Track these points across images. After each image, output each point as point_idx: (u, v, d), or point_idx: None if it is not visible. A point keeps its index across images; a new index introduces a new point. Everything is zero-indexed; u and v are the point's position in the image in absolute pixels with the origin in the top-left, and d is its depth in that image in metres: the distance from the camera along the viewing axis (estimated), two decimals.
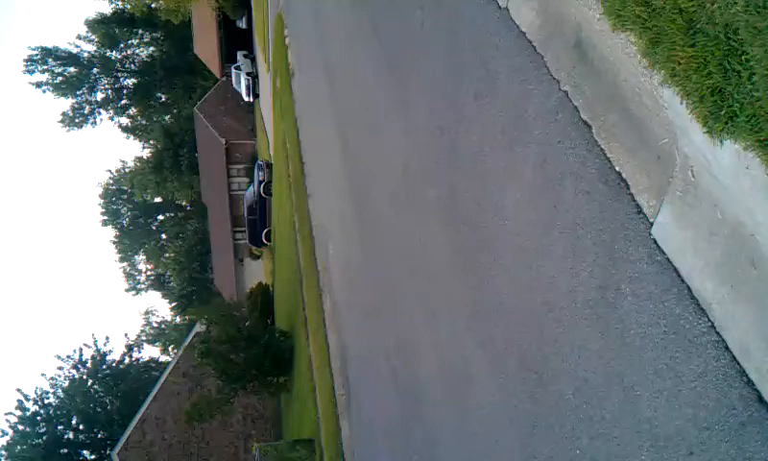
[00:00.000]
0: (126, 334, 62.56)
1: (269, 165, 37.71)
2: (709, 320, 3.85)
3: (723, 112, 3.32)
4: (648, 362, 4.33)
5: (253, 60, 43.24)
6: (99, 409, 40.04)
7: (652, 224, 4.29)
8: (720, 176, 3.60)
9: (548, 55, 5.45)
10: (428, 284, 9.09)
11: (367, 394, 13.70)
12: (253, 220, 40.67)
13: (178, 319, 73.52)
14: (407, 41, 9.24)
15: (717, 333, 3.79)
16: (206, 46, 46.31)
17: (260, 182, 38.77)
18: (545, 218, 5.61)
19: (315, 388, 20.11)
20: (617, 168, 4.63)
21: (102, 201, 69.41)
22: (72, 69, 60.58)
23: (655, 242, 4.27)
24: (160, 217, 71.99)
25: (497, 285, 6.73)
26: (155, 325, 76.28)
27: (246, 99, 43.73)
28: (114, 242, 70.97)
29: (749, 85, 3.12)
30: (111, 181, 69.39)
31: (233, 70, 44.43)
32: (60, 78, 60.22)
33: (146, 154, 67.45)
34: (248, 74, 42.27)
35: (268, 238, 39.47)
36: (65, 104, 61.93)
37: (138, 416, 31.59)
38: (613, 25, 4.15)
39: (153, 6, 36.85)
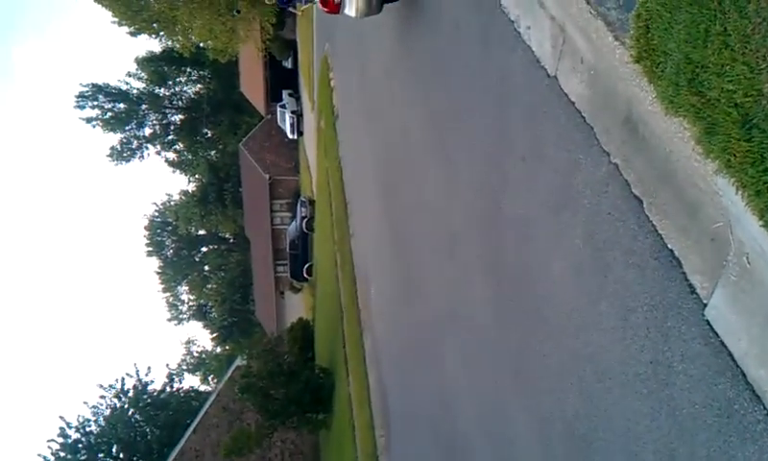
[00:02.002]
0: (167, 364, 63.10)
1: (311, 202, 38.14)
2: (765, 408, 3.82)
3: None
4: (701, 443, 4.30)
5: (298, 100, 43.95)
6: (139, 438, 40.40)
7: (705, 305, 4.28)
8: None
9: (598, 126, 5.50)
10: (471, 339, 9.10)
11: (407, 438, 13.66)
12: (295, 254, 41.08)
13: (218, 349, 74.21)
14: (455, 98, 9.35)
15: None
16: (253, 85, 47.21)
17: (302, 218, 39.21)
18: (594, 288, 5.61)
19: (354, 427, 20.10)
20: (669, 245, 4.63)
21: (147, 232, 70.74)
22: (121, 105, 62.26)
23: (708, 323, 4.26)
24: (204, 249, 73.06)
25: (543, 349, 6.72)
26: (195, 354, 77.10)
27: (290, 136, 44.40)
28: (158, 272, 72.12)
29: None
30: (157, 214, 70.76)
31: (278, 108, 45.18)
32: (109, 114, 61.87)
33: (191, 188, 68.77)
34: (292, 112, 42.95)
35: (309, 273, 39.79)
36: (114, 138, 63.61)
37: (178, 448, 31.81)
38: (666, 110, 4.19)
39: (201, 45, 37.74)
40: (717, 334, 4.19)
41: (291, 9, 18.78)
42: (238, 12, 34.63)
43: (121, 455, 39.60)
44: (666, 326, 4.65)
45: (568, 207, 6.03)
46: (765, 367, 3.82)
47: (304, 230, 39.05)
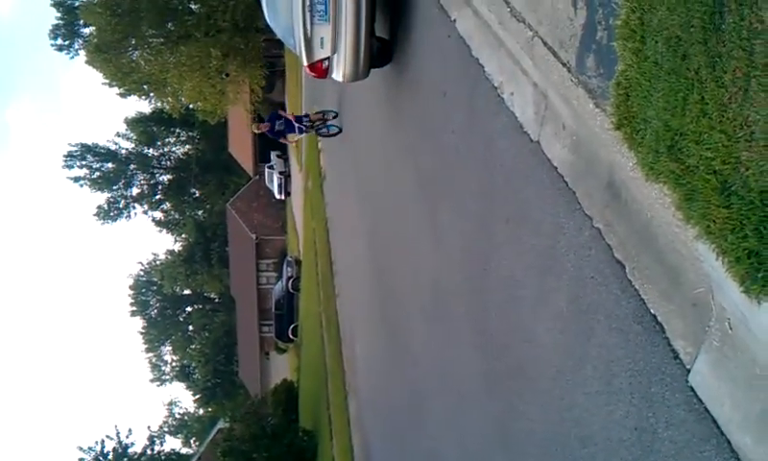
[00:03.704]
0: (149, 426, 61.88)
1: (298, 261, 38.10)
2: None
3: (760, 275, 3.35)
4: None
5: (286, 161, 44.35)
6: None
7: (689, 371, 4.27)
8: (759, 333, 3.60)
9: (580, 191, 5.55)
10: (456, 401, 9.01)
11: None
12: (280, 314, 40.80)
13: (201, 411, 73.02)
14: (442, 162, 9.46)
15: None
16: (241, 145, 47.65)
17: (288, 278, 39.08)
18: (579, 351, 5.59)
19: None
20: (652, 310, 4.64)
21: (131, 292, 70.26)
22: (110, 165, 62.56)
23: (692, 389, 4.23)
24: (188, 309, 72.61)
25: (529, 412, 6.66)
26: (177, 416, 75.78)
27: (277, 197, 44.61)
28: (142, 332, 71.41)
29: None
30: (142, 273, 70.45)
31: (266, 169, 45.53)
32: (97, 173, 62.14)
33: (177, 247, 68.73)
34: (280, 173, 43.30)
35: (294, 333, 39.49)
36: (101, 198, 63.72)
37: None
38: (647, 176, 4.24)
39: (190, 107, 38.13)
40: (701, 400, 4.17)
41: (282, 139, 18.60)
42: (227, 74, 35.16)
43: None
44: (650, 391, 4.62)
45: (552, 271, 6.05)
46: (749, 434, 3.79)
47: (290, 289, 38.87)
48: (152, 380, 74.20)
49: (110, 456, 40.35)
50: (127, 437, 41.70)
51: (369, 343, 15.97)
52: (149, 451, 44.11)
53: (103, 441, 40.52)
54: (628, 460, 4.87)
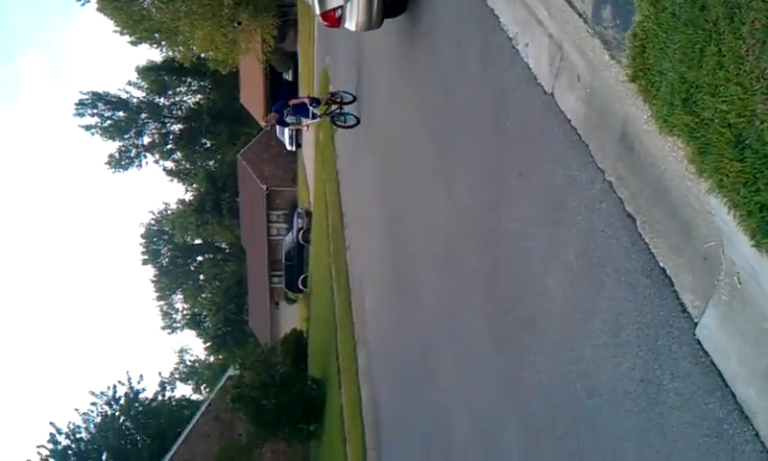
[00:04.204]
0: (160, 373, 62.92)
1: (308, 213, 38.19)
2: (754, 428, 3.82)
3: None
4: None
5: None
6: (129, 446, 40.21)
7: (696, 324, 4.29)
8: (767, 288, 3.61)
9: (593, 144, 5.53)
10: (465, 352, 9.10)
11: (399, 454, 13.62)
12: (290, 266, 41.05)
13: (211, 358, 74.03)
14: (455, 113, 9.40)
15: (762, 444, 3.76)
16: (252, 96, 47.38)
17: (299, 230, 39.22)
18: (587, 304, 5.63)
19: (345, 440, 20.05)
20: (661, 264, 4.65)
21: (143, 240, 70.75)
22: (121, 114, 62.45)
23: (699, 343, 4.26)
24: (199, 258, 73.10)
25: (537, 363, 6.73)
26: (188, 363, 76.90)
27: (289, 148, 44.46)
28: (153, 281, 72.07)
29: None
30: (153, 222, 70.79)
31: None
32: (108, 121, 62.06)
33: (188, 197, 68.91)
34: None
35: (304, 284, 39.78)
36: (112, 146, 63.75)
37: (168, 457, 31.69)
38: (661, 129, 4.22)
39: (202, 56, 37.89)
40: (707, 354, 4.20)
41: (292, 126, 17.65)
42: (239, 23, 34.81)
43: None
44: (657, 344, 4.66)
45: (563, 223, 6.06)
46: (755, 388, 3.82)
47: (301, 241, 39.03)
48: (163, 328, 75.21)
49: (122, 401, 41.09)
50: (138, 383, 42.43)
51: (378, 295, 16.07)
52: (160, 397, 44.86)
53: (115, 386, 41.28)
54: (633, 411, 4.94)
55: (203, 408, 33.50)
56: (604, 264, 5.37)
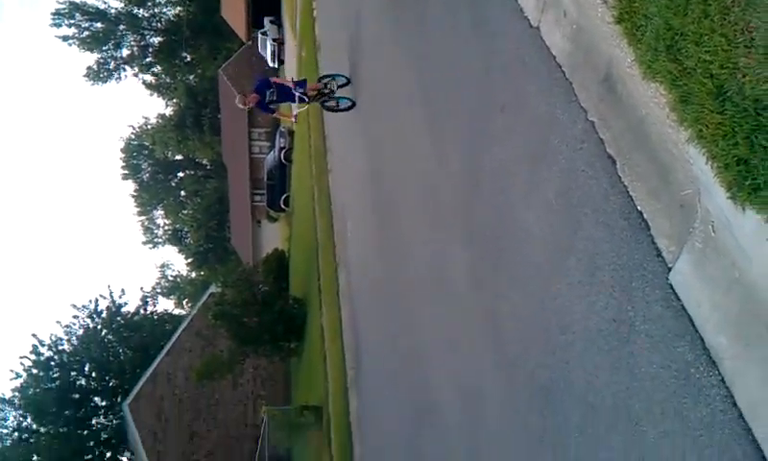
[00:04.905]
0: (141, 287, 63.27)
1: (290, 132, 37.80)
2: (720, 374, 3.94)
3: (747, 183, 3.38)
4: (656, 402, 4.44)
5: (280, 27, 43.09)
6: (112, 358, 40.71)
7: (670, 269, 4.36)
8: (740, 239, 3.66)
9: (576, 82, 5.48)
10: (443, 283, 9.20)
11: (377, 375, 13.92)
12: (272, 185, 40.88)
13: (193, 274, 74.39)
14: (438, 45, 9.26)
15: (727, 388, 3.88)
16: (234, 10, 46.11)
17: (281, 149, 38.89)
18: (565, 243, 5.68)
19: (326, 358, 20.41)
20: (639, 207, 4.69)
21: (123, 155, 69.93)
22: (99, 25, 60.78)
23: (671, 288, 4.34)
24: (180, 174, 72.51)
25: (513, 298, 6.83)
26: (170, 278, 77.27)
27: (270, 64, 43.63)
28: (134, 196, 71.62)
29: None
30: (133, 137, 69.83)
31: (259, 35, 44.29)
32: (86, 32, 60.44)
33: (169, 111, 67.84)
34: (274, 40, 42.19)
35: (286, 204, 39.72)
36: (90, 58, 62.33)
37: (150, 370, 32.15)
38: (644, 74, 4.18)
39: None
40: (679, 299, 4.29)
41: (276, 114, 15.42)
42: None
43: (93, 375, 39.93)
44: (631, 286, 4.74)
45: (544, 161, 6.06)
46: (723, 334, 3.92)
47: (282, 160, 38.77)
48: (144, 243, 75.19)
49: (104, 314, 41.35)
50: (120, 297, 42.66)
51: (360, 221, 16.10)
52: (142, 311, 45.21)
53: (96, 300, 41.47)
54: (604, 349, 5.06)
55: (184, 324, 33.79)
56: (583, 204, 5.40)
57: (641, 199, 4.67)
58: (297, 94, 13.92)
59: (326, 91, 15.01)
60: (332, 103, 15.25)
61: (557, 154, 5.79)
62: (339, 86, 15.25)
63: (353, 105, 15.08)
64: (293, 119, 15.95)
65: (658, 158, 4.41)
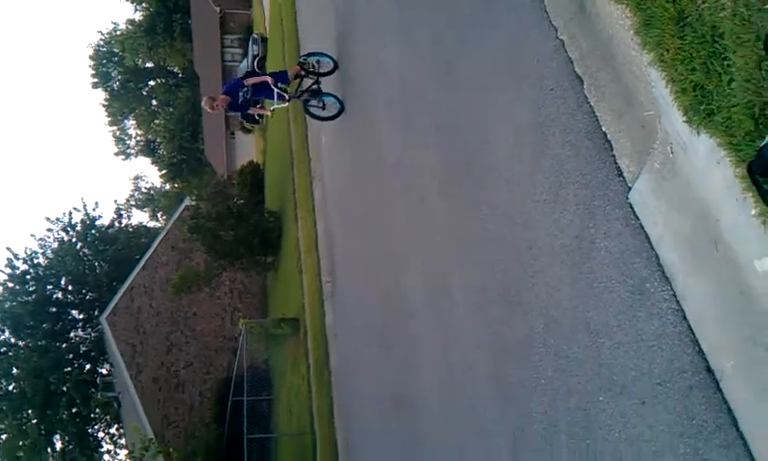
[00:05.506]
0: (115, 200, 62.65)
1: (264, 39, 36.93)
2: (672, 289, 4.15)
3: (702, 108, 3.49)
4: (613, 315, 4.66)
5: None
6: (88, 272, 40.61)
7: (630, 188, 4.52)
8: (695, 161, 3.80)
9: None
10: (415, 197, 9.33)
11: (352, 287, 14.18)
12: None
13: (167, 186, 73.73)
14: None
15: (678, 302, 4.10)
16: None
17: (254, 57, 37.90)
18: (532, 159, 5.80)
19: (301, 271, 20.66)
20: (603, 128, 4.80)
21: (92, 62, 68.01)
22: None
23: (631, 206, 4.51)
24: (151, 83, 70.82)
25: (481, 213, 6.99)
26: (144, 190, 76.57)
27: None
28: (104, 105, 70.06)
29: (728, 90, 3.28)
30: (102, 43, 67.75)
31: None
32: None
33: (138, 17, 65.65)
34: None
35: (260, 115, 39.14)
36: None
37: (127, 283, 32.29)
38: None
39: None
40: (638, 217, 4.46)
41: (253, 111, 13.28)
42: None
43: (70, 288, 39.97)
44: (593, 204, 4.90)
45: (514, 78, 6.12)
46: (677, 251, 4.11)
47: (256, 69, 37.86)
48: (116, 154, 74.02)
49: (78, 228, 41.09)
50: (94, 210, 42.31)
51: (333, 133, 16.04)
52: (116, 224, 44.96)
53: (70, 213, 41.10)
54: (567, 264, 5.26)
55: (160, 237, 33.78)
56: (550, 123, 5.50)
57: (606, 119, 4.78)
58: (276, 90, 12.27)
59: (311, 70, 13.17)
60: (317, 104, 13.30)
61: (527, 71, 5.85)
62: (323, 73, 13.33)
63: (342, 108, 13.16)
64: (269, 112, 13.27)
65: (622, 80, 4.50)
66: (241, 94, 12.21)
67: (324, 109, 13.23)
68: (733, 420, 3.72)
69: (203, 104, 12.60)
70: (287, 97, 12.55)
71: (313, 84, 13.07)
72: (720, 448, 3.77)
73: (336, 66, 13.53)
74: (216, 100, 12.17)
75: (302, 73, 13.10)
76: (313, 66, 13.26)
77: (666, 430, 4.14)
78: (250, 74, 12.75)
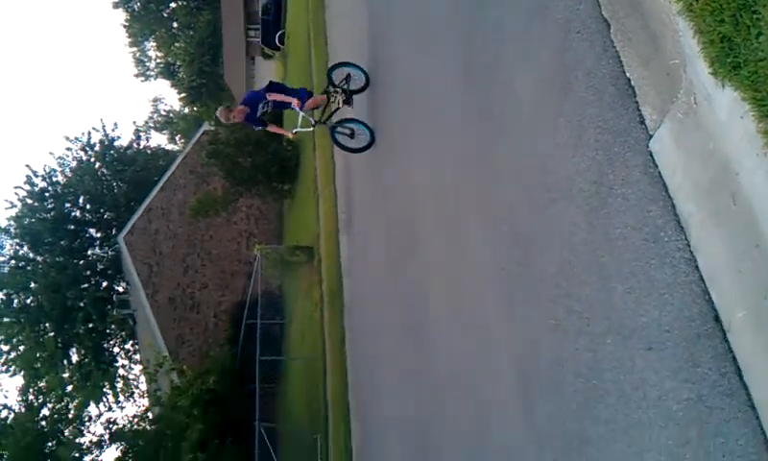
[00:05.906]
0: (134, 122, 62.67)
1: None
2: (686, 238, 4.20)
3: (729, 61, 3.47)
4: (626, 261, 4.73)
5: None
6: (106, 191, 40.93)
7: (651, 136, 4.53)
8: (718, 113, 3.81)
9: None
10: (436, 132, 9.34)
11: (367, 220, 14.29)
12: (267, 20, 39.68)
13: (186, 110, 73.63)
14: None
15: (691, 252, 4.16)
16: None
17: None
18: (554, 102, 5.79)
19: (318, 202, 20.79)
20: (628, 74, 4.78)
21: None
22: None
23: (651, 154, 4.53)
24: (172, 5, 70.02)
25: (500, 151, 7.02)
26: (163, 113, 76.60)
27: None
28: (125, 26, 69.52)
29: (755, 43, 3.26)
30: None
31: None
32: None
33: None
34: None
35: (281, 41, 38.74)
36: None
37: (144, 204, 32.59)
38: None
39: None
40: (656, 165, 4.48)
41: (271, 128, 12.84)
42: None
43: (88, 206, 40.38)
44: (613, 150, 4.92)
45: (540, 18, 6.06)
46: (693, 201, 4.15)
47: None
48: (136, 76, 73.89)
49: (97, 148, 41.27)
50: (113, 130, 42.42)
51: (356, 61, 15.91)
52: (135, 146, 45.10)
53: (89, 132, 41.25)
54: (584, 209, 5.31)
55: (178, 160, 33.91)
56: (575, 66, 5.47)
57: (631, 65, 4.75)
58: (301, 113, 11.76)
59: (340, 89, 12.32)
60: (345, 132, 12.51)
61: (554, 12, 5.79)
62: (353, 92, 12.53)
63: (372, 142, 12.32)
64: (290, 135, 12.68)
65: (649, 27, 4.46)
66: (260, 106, 11.72)
67: (352, 137, 12.52)
68: (737, 369, 3.82)
69: (217, 114, 12.01)
70: (313, 121, 12.14)
71: (344, 102, 12.37)
72: (723, 396, 3.88)
73: (368, 82, 12.78)
74: (233, 111, 11.73)
75: (330, 93, 12.36)
76: (343, 81, 12.49)
77: (671, 376, 4.25)
78: (273, 85, 12.12)
